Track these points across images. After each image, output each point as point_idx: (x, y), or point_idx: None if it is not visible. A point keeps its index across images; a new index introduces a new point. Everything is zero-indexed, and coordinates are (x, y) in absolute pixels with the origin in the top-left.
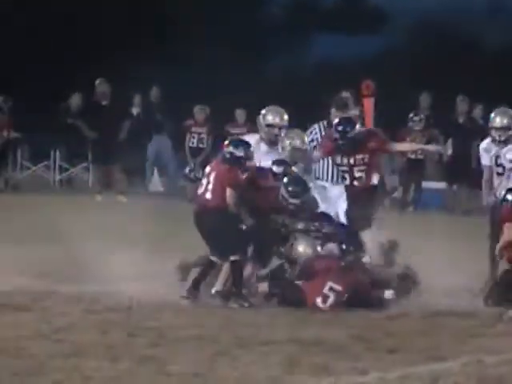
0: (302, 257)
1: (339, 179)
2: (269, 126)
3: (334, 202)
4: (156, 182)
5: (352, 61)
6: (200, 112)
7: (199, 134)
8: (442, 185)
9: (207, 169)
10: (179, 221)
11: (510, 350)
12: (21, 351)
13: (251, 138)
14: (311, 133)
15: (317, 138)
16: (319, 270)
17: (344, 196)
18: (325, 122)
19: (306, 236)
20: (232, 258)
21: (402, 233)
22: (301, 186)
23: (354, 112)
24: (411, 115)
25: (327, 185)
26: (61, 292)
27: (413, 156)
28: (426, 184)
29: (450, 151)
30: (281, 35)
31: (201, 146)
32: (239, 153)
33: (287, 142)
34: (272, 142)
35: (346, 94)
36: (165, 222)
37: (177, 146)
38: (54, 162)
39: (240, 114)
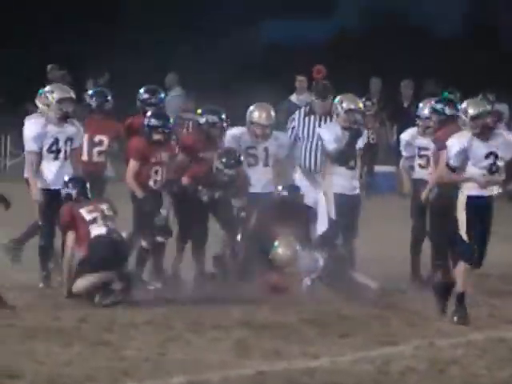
0: (283, 259)
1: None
2: (253, 123)
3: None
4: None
5: (303, 46)
6: None
7: None
8: (392, 168)
9: None
10: None
11: (461, 333)
12: None
13: (237, 130)
14: (291, 120)
15: (296, 125)
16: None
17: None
18: (306, 109)
19: (286, 237)
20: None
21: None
22: (235, 158)
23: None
24: (363, 100)
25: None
26: (13, 277)
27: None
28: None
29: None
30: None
31: None
32: (155, 122)
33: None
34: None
35: (301, 78)
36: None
37: None
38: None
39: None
